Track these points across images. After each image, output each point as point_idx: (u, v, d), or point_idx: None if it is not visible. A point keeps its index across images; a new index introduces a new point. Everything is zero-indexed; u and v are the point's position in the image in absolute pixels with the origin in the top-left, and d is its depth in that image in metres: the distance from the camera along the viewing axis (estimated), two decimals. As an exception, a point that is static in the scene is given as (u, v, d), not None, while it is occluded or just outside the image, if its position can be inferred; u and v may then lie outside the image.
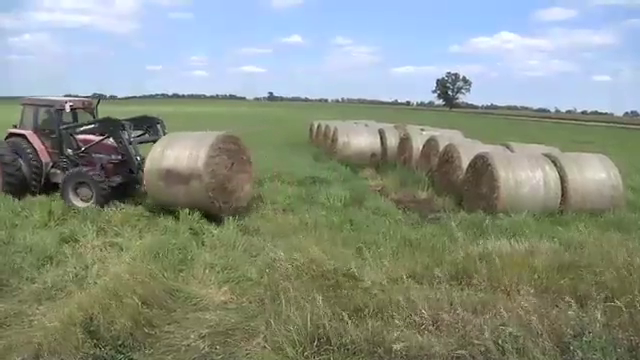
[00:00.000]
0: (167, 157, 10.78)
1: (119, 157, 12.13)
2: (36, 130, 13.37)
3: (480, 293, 6.77)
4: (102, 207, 11.18)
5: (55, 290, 6.98)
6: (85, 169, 11.99)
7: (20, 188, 12.57)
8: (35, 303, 6.65)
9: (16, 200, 11.70)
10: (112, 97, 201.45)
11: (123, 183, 12.06)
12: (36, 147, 13.06)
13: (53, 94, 15.25)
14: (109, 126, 12.11)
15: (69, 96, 15.93)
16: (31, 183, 12.88)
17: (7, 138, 13.47)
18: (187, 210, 10.43)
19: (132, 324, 5.67)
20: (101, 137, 12.40)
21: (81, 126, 12.69)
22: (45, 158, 13.07)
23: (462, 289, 6.94)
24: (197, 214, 10.35)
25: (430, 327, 5.70)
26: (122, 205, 11.31)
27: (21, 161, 12.93)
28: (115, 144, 12.04)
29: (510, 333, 5.22)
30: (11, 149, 12.98)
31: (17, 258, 7.96)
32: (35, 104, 13.76)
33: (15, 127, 13.80)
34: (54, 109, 13.05)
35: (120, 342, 5.37)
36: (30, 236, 9.09)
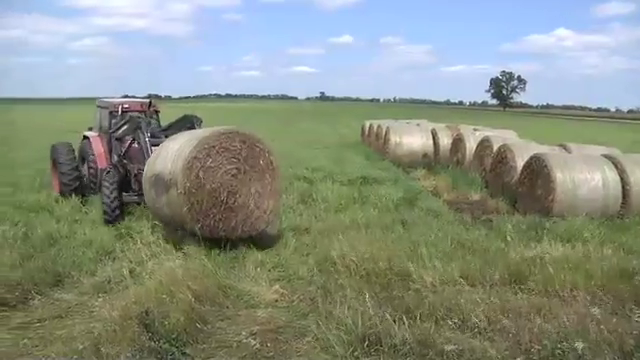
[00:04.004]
0: (159, 161, 8.86)
1: None
2: (100, 133, 12.58)
3: (534, 297, 6.61)
4: (107, 224, 9.92)
5: (113, 283, 7.19)
6: (105, 182, 10.37)
7: (78, 192, 11.87)
8: (95, 295, 6.85)
9: (77, 197, 11.87)
10: (167, 97, 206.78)
11: None
12: (95, 152, 12.18)
13: (111, 95, 15.32)
14: (132, 127, 10.76)
15: (126, 97, 16.11)
16: (89, 186, 12.20)
17: (83, 140, 13.03)
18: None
19: (185, 319, 5.77)
20: (131, 142, 11.06)
21: (117, 130, 11.21)
22: (102, 164, 11.96)
23: (515, 293, 6.79)
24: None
25: (483, 331, 5.60)
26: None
27: (84, 166, 12.49)
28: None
29: (568, 339, 5.06)
30: (79, 153, 12.69)
31: (78, 252, 8.27)
32: (100, 106, 13.00)
33: (91, 129, 13.25)
34: (108, 111, 12.26)
35: (174, 336, 5.47)
36: (89, 231, 9.42)
